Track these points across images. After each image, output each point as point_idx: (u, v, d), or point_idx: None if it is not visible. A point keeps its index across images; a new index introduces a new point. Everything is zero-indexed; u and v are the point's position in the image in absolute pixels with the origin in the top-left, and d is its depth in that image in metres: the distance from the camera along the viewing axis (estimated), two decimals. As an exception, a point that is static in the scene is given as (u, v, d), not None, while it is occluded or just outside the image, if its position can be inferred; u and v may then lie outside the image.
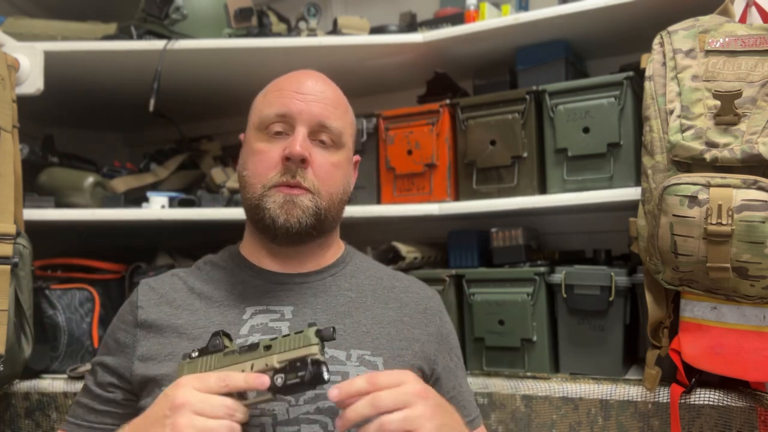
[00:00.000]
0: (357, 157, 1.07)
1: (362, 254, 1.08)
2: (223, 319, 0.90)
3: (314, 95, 0.94)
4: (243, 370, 0.76)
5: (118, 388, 0.91)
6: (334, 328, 0.76)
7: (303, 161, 0.90)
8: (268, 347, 0.76)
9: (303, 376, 0.73)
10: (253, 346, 0.77)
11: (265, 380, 0.74)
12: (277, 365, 0.75)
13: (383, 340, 0.92)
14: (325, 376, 0.74)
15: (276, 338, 0.77)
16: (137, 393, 0.89)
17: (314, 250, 0.98)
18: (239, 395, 0.75)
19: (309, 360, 0.74)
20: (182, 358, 0.81)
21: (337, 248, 1.03)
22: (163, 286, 0.96)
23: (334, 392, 0.74)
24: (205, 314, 0.91)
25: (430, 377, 0.96)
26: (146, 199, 1.49)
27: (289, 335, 0.76)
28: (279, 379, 0.74)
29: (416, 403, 0.73)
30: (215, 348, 0.79)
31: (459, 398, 0.99)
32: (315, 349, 0.74)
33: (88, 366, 1.31)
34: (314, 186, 0.92)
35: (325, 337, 0.76)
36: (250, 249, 0.99)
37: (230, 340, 0.82)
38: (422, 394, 0.75)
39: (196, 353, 0.80)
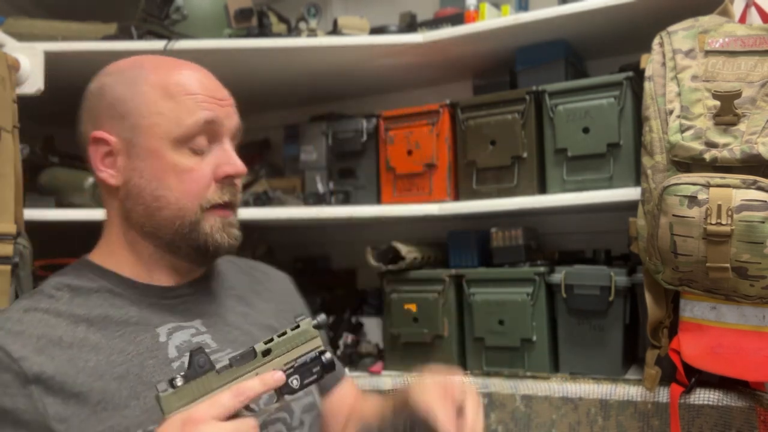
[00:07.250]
0: None
1: None
2: (139, 346, 0.78)
3: (228, 100, 0.86)
4: None
5: None
6: (323, 314, 0.76)
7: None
8: (267, 351, 0.72)
9: (318, 371, 0.73)
10: (248, 355, 0.71)
11: (280, 375, 0.70)
12: (284, 367, 0.72)
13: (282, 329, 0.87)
14: (335, 363, 0.76)
15: (271, 340, 0.73)
16: None
17: None
18: (248, 408, 0.70)
19: (318, 353, 0.74)
20: (160, 391, 0.66)
21: None
22: (29, 327, 0.75)
23: None
24: (111, 348, 0.77)
25: None
26: (146, 199, 1.49)
27: (285, 333, 0.73)
28: (295, 381, 0.72)
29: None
30: (203, 368, 0.68)
31: None
32: (319, 342, 0.74)
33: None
34: (238, 202, 0.87)
35: (321, 326, 0.75)
36: (132, 265, 0.85)
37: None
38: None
39: (181, 380, 0.67)
